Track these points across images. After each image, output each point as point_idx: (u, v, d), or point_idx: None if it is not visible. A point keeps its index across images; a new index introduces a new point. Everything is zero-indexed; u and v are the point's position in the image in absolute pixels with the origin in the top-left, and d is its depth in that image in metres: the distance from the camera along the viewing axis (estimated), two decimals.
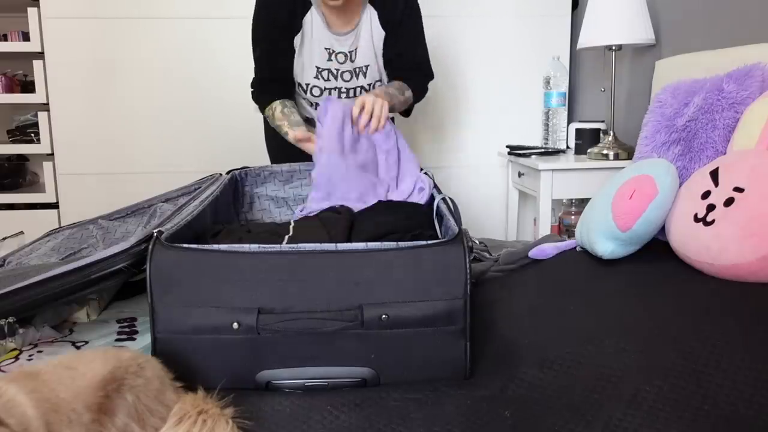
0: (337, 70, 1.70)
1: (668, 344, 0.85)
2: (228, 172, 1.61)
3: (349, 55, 1.69)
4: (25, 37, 2.37)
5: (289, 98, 1.69)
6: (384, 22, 1.67)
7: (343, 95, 1.74)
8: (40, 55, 2.35)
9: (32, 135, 2.45)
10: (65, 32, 2.33)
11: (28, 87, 2.46)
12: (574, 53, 2.57)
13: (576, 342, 0.93)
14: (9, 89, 2.42)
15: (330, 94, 1.73)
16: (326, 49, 1.67)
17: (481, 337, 1.03)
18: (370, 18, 1.67)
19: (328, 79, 1.71)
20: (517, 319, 1.08)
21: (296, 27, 1.64)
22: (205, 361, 0.93)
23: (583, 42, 2.06)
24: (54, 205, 2.45)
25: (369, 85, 1.74)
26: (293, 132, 1.56)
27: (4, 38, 2.44)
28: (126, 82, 2.40)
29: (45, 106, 2.38)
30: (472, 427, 0.82)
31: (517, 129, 2.59)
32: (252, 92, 1.72)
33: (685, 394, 0.77)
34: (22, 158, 2.67)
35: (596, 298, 1.05)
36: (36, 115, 2.40)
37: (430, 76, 1.78)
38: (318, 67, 1.69)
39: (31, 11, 2.30)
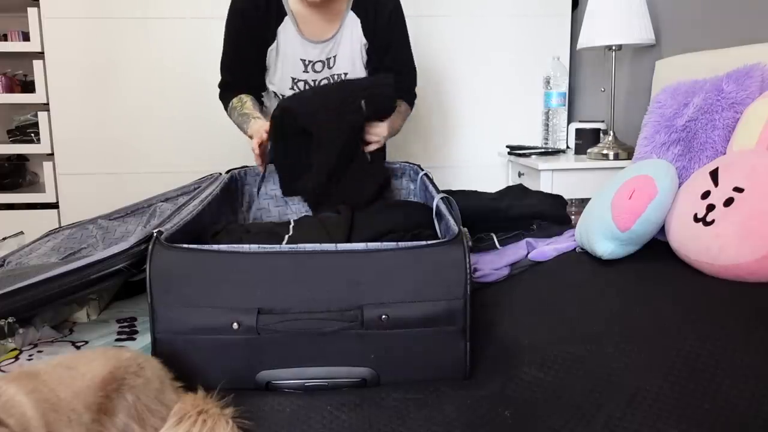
0: (314, 81, 1.66)
1: (668, 344, 0.85)
2: (227, 172, 1.61)
3: (326, 62, 1.65)
4: (25, 37, 2.37)
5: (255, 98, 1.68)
6: (368, 32, 1.63)
7: None
8: (40, 55, 2.35)
9: (32, 135, 2.45)
10: (65, 32, 2.33)
11: (28, 87, 2.46)
12: (574, 53, 2.57)
13: (576, 342, 0.93)
14: (9, 89, 2.42)
15: None
16: (302, 60, 1.63)
17: (481, 337, 1.03)
18: (351, 25, 1.63)
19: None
20: (517, 319, 1.08)
21: (270, 38, 1.61)
22: (205, 361, 0.93)
23: (583, 42, 2.06)
24: (54, 205, 2.44)
25: None
26: (259, 123, 1.51)
27: (4, 38, 2.44)
28: (126, 82, 2.40)
29: (45, 106, 2.38)
30: (472, 427, 0.82)
31: (517, 129, 2.59)
32: (219, 92, 1.73)
33: (684, 394, 0.77)
34: (22, 158, 2.66)
35: (596, 298, 1.05)
36: (36, 115, 2.40)
37: (415, 82, 1.76)
38: (293, 78, 1.66)
39: (31, 11, 2.30)
